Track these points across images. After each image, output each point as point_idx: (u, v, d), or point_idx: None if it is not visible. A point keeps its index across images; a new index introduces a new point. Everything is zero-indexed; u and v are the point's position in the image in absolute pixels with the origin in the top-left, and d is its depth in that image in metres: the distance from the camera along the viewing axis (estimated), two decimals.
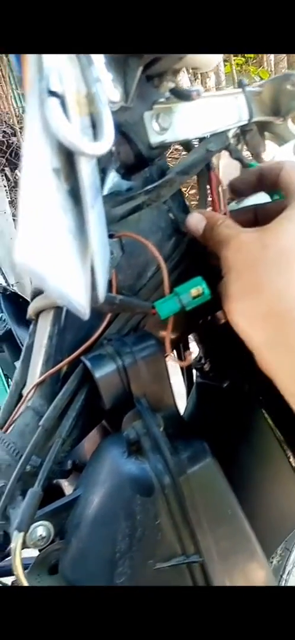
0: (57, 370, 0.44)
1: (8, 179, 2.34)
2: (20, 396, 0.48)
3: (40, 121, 0.21)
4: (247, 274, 0.37)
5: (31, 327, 0.49)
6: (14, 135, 2.48)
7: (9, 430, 0.45)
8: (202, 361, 0.59)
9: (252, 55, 4.49)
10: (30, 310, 0.48)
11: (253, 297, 0.36)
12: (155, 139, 0.40)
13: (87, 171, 0.26)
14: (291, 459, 0.55)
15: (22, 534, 0.36)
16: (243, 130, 0.47)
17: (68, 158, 0.24)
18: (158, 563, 0.36)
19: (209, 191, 0.47)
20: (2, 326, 1.01)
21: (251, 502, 0.57)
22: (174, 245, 0.47)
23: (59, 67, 0.22)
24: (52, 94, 0.21)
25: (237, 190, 0.46)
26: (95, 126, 0.25)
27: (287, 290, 0.35)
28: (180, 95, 0.39)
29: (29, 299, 0.50)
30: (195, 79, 4.11)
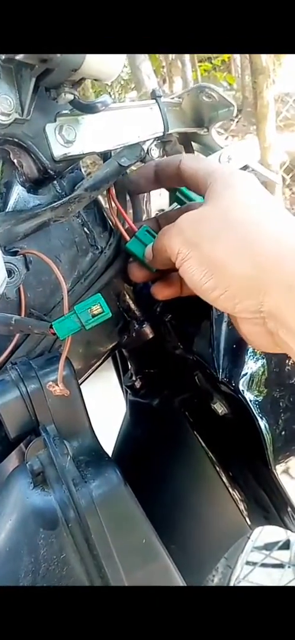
0: None
1: None
2: None
3: None
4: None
5: None
6: None
7: None
8: (133, 378, 0.57)
9: (218, 62, 4.52)
10: None
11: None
12: (59, 152, 0.38)
13: None
14: (223, 477, 0.54)
15: None
16: (163, 142, 0.45)
17: None
18: None
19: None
20: None
21: (186, 521, 0.56)
22: (91, 261, 0.45)
23: None
24: None
25: (136, 185, 0.45)
26: None
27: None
28: (82, 107, 0.37)
29: None
30: (164, 83, 4.12)
